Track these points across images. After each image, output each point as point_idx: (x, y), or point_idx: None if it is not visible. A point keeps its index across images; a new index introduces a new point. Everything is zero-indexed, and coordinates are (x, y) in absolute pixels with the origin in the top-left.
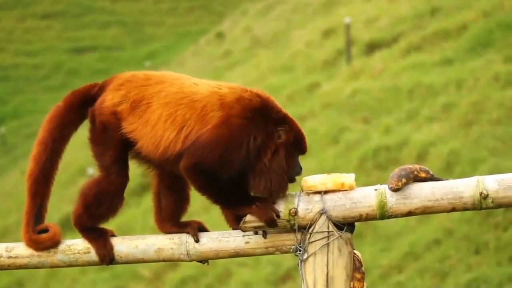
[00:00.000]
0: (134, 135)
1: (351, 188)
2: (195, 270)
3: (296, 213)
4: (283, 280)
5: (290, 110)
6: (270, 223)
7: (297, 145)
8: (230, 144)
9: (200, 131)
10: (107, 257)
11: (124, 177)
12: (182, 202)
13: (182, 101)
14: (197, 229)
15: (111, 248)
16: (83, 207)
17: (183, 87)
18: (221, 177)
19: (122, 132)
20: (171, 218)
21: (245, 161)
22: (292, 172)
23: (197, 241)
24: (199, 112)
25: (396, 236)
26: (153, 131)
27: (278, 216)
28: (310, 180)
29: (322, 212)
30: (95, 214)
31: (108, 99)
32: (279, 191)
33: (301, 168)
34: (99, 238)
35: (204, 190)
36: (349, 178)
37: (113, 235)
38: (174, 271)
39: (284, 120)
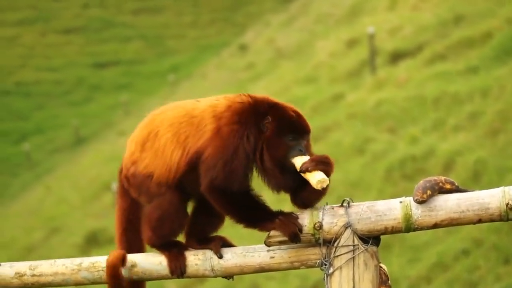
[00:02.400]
0: (149, 169)
1: (317, 186)
2: (222, 284)
3: (321, 227)
4: None
5: (314, 121)
6: (294, 238)
7: (285, 128)
8: (226, 153)
9: (196, 146)
10: (178, 270)
11: (178, 192)
12: (211, 220)
13: (183, 119)
14: (220, 245)
15: (183, 261)
16: (150, 230)
17: (185, 107)
18: (238, 192)
19: (142, 173)
20: (197, 235)
21: (247, 165)
22: (286, 159)
23: (220, 257)
24: (196, 127)
25: (424, 246)
26: (163, 156)
27: (301, 231)
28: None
29: (347, 226)
30: (163, 234)
31: (127, 152)
32: (285, 183)
33: (300, 150)
34: (173, 250)
35: (224, 209)
36: (315, 177)
37: (226, 243)
38: (201, 285)
39: (269, 111)
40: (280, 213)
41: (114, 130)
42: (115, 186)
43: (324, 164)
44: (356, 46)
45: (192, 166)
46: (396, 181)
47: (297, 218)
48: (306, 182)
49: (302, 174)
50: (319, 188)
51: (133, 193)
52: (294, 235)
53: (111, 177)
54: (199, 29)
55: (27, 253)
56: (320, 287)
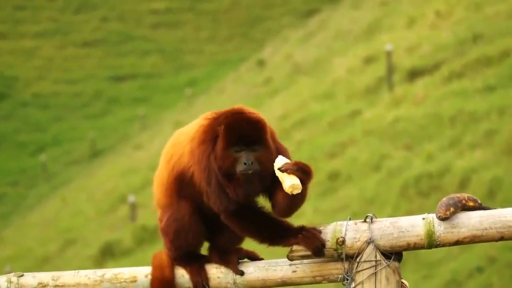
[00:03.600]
0: (156, 184)
1: (288, 190)
2: None
3: (343, 242)
4: None
5: (331, 137)
6: (317, 252)
7: (230, 139)
8: (205, 176)
9: (178, 166)
10: (200, 284)
11: (189, 204)
12: (231, 233)
13: (175, 141)
14: (237, 263)
15: (205, 274)
16: (169, 243)
17: (187, 126)
18: (253, 212)
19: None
20: (219, 248)
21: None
22: (233, 171)
23: (241, 274)
24: (179, 147)
25: (438, 263)
26: (160, 175)
27: (324, 246)
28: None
29: (370, 241)
30: (180, 246)
31: None
32: (241, 196)
33: (244, 163)
34: (193, 264)
35: (245, 232)
36: (290, 181)
37: (250, 256)
38: None
39: (224, 123)
40: (303, 228)
41: (131, 143)
42: (131, 198)
43: (303, 172)
44: (374, 63)
45: (180, 184)
46: (412, 198)
47: (320, 232)
48: (274, 192)
49: (279, 174)
50: (289, 193)
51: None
52: (318, 250)
53: (127, 190)
54: (217, 44)
55: (43, 264)
56: None
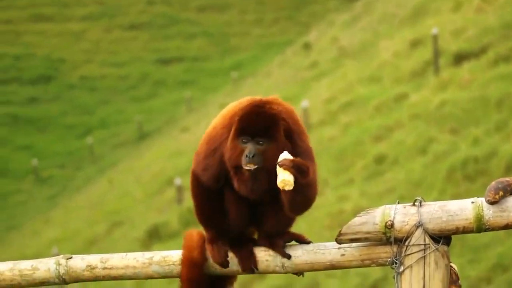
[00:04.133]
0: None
1: (279, 184)
2: (282, 281)
3: (392, 225)
4: None
5: (377, 121)
6: (222, 265)
7: (238, 130)
8: (207, 150)
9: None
10: (249, 267)
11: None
12: (279, 216)
13: (212, 123)
14: (284, 246)
15: (254, 257)
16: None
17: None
18: (210, 188)
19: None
20: (266, 232)
21: (222, 166)
22: (238, 163)
23: (288, 258)
24: (211, 130)
25: (484, 247)
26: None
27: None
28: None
29: (419, 225)
30: (224, 229)
31: None
32: (248, 189)
33: (247, 157)
34: (241, 247)
35: (192, 196)
36: (283, 176)
37: (298, 239)
38: (261, 282)
39: (240, 112)
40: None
41: (177, 126)
42: (178, 181)
43: (298, 170)
44: (420, 46)
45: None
46: (458, 182)
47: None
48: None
49: (277, 169)
50: (280, 188)
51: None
52: (222, 263)
53: (174, 172)
54: (263, 28)
55: (90, 246)
56: (380, 285)
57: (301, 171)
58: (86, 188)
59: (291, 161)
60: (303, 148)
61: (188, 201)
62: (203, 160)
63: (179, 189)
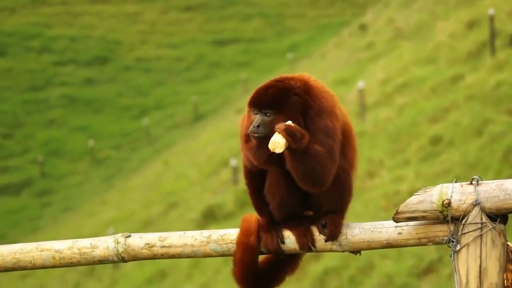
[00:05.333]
0: None
1: (270, 146)
2: (337, 262)
3: (449, 204)
4: (425, 272)
5: (433, 102)
6: (274, 253)
7: (250, 102)
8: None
9: None
10: (306, 245)
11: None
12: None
13: None
14: (302, 236)
15: (311, 236)
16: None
17: None
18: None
19: None
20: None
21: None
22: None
23: (332, 240)
24: None
25: None
26: None
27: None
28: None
29: (476, 204)
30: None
31: None
32: (254, 155)
33: (253, 126)
34: (299, 226)
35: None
36: (274, 138)
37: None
38: (316, 263)
39: None
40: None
41: (233, 107)
42: (233, 162)
43: (290, 135)
44: (476, 27)
45: None
46: None
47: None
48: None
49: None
50: (270, 148)
51: None
52: (276, 253)
53: (229, 154)
54: (319, 9)
55: (145, 227)
56: (435, 267)
57: (293, 136)
58: (142, 169)
59: (285, 125)
60: (321, 125)
61: (244, 182)
62: (242, 143)
63: (235, 170)
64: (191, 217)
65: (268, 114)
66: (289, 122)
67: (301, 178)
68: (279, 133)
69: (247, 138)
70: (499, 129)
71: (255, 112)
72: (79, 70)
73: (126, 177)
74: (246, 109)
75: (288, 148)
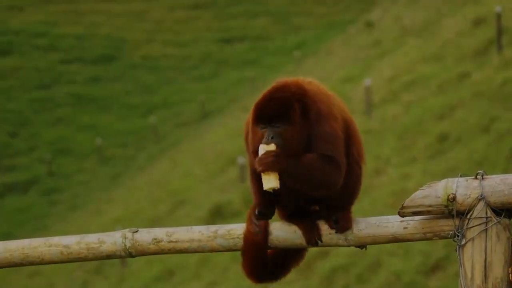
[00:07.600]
0: None
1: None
2: (345, 260)
3: (454, 198)
4: (433, 270)
5: (440, 100)
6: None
7: (254, 116)
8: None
9: None
10: (313, 239)
11: None
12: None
13: None
14: (309, 231)
15: (318, 230)
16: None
17: None
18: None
19: None
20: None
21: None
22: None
23: (340, 232)
24: None
25: None
26: None
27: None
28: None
29: (481, 198)
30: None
31: None
32: (264, 168)
33: (267, 139)
34: (306, 221)
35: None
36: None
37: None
38: (324, 260)
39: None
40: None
41: (240, 105)
42: (241, 160)
43: (266, 165)
44: (483, 24)
45: None
46: None
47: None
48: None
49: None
50: (268, 190)
51: None
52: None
53: (236, 152)
54: (325, 6)
55: (152, 225)
56: (443, 264)
57: (270, 164)
58: (149, 168)
59: (257, 160)
60: (319, 131)
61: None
62: (252, 159)
63: (242, 168)
64: (198, 215)
65: (277, 126)
66: (261, 149)
67: (308, 190)
68: (260, 171)
69: (257, 155)
70: (506, 127)
71: (262, 127)
72: (86, 68)
73: (133, 175)
74: (251, 126)
75: (280, 174)
